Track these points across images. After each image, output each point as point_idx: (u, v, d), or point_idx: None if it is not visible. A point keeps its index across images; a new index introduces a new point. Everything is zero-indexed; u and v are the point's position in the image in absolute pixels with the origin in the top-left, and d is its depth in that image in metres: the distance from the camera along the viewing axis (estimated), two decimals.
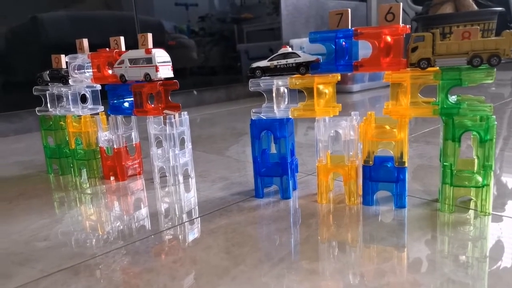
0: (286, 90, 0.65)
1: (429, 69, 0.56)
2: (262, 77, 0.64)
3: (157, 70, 0.74)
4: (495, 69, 0.52)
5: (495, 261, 0.44)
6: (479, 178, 0.55)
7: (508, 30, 0.52)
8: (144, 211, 0.67)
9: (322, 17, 2.65)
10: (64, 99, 0.87)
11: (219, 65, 2.24)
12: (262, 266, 0.46)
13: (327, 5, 2.65)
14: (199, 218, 0.61)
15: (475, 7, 2.63)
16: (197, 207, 0.66)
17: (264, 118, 0.64)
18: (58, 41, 1.61)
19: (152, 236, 0.55)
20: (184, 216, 0.63)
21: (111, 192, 0.77)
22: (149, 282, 0.44)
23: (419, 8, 3.00)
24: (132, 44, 0.80)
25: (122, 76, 0.78)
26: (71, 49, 0.84)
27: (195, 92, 2.09)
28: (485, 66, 0.52)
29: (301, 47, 2.11)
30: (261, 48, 2.37)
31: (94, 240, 0.55)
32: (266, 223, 0.58)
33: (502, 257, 0.45)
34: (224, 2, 2.28)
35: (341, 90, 2.14)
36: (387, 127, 0.61)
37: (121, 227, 0.60)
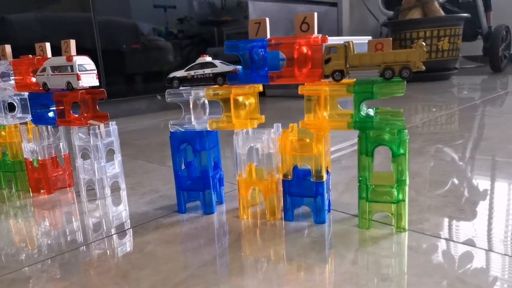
0: (207, 101, 0.63)
1: (345, 81, 0.54)
2: (180, 88, 0.61)
3: (78, 79, 0.70)
4: (405, 82, 0.50)
5: (401, 281, 0.42)
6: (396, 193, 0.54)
7: (419, 41, 0.50)
8: (53, 229, 0.63)
9: (291, 21, 2.64)
10: None
11: None
12: None
13: (296, 10, 2.65)
14: (109, 237, 0.58)
15: (442, 13, 2.67)
16: (113, 225, 0.63)
17: (182, 130, 0.62)
18: (24, 43, 1.56)
19: (49, 260, 0.52)
20: (94, 235, 0.59)
21: (30, 207, 0.73)
22: None
23: (391, 13, 3.03)
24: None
25: (44, 84, 0.74)
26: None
27: (158, 97, 2.05)
28: (397, 79, 0.51)
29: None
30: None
31: None
32: (179, 241, 0.55)
33: (404, 278, 0.43)
34: (204, 4, 2.25)
35: None
36: (308, 140, 0.59)
37: (16, 247, 0.56)
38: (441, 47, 2.57)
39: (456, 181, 0.73)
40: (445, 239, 0.51)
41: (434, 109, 1.56)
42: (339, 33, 3.06)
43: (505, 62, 2.93)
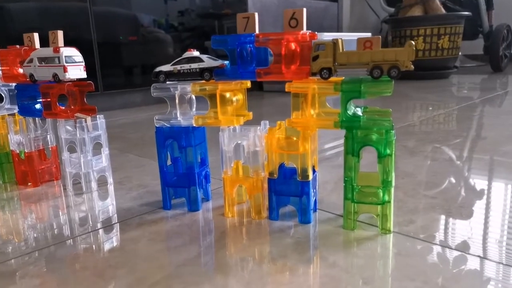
0: (194, 97, 0.62)
1: (333, 79, 0.53)
2: (167, 82, 0.60)
3: (65, 71, 0.69)
4: (393, 82, 0.49)
5: (383, 285, 0.42)
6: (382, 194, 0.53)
7: (408, 41, 0.49)
8: (38, 222, 0.62)
9: None
10: None
11: None
12: None
13: (296, 5, 2.62)
14: (90, 233, 0.57)
15: (443, 11, 2.65)
16: (97, 220, 0.62)
17: (168, 126, 0.61)
18: (20, 33, 1.54)
19: (26, 256, 0.51)
20: (76, 231, 0.58)
21: (16, 199, 0.72)
22: None
23: (392, 9, 3.01)
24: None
25: (31, 75, 0.73)
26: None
27: None
28: (385, 78, 0.50)
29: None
30: None
31: None
32: (161, 239, 0.55)
33: (386, 282, 0.43)
34: None
35: None
36: (295, 138, 0.58)
37: None
38: (441, 45, 2.55)
39: (446, 182, 0.72)
40: (431, 242, 0.51)
41: (431, 108, 1.55)
42: (339, 29, 3.04)
43: (506, 62, 2.91)
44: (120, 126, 1.46)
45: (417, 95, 1.93)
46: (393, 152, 0.50)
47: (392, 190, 0.52)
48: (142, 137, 1.24)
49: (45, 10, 1.64)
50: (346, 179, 0.53)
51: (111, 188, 0.77)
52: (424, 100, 1.77)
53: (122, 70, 1.93)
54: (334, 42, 0.51)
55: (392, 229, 0.53)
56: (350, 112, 0.51)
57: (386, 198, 0.52)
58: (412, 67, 0.49)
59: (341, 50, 0.51)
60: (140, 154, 1.02)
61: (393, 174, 0.51)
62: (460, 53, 2.73)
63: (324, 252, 0.49)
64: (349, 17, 3.27)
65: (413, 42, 0.49)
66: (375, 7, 3.24)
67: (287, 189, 0.57)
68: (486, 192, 0.67)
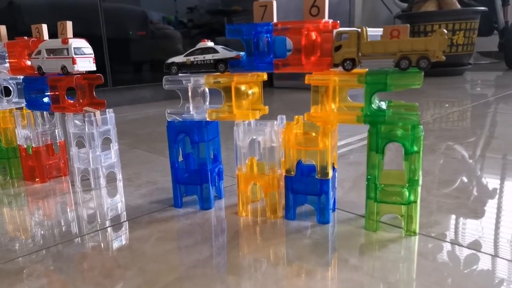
0: (207, 90, 0.59)
1: (356, 70, 0.50)
2: (179, 74, 0.57)
3: (74, 63, 0.67)
4: (423, 73, 0.46)
5: None
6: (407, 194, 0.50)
7: (439, 29, 0.45)
8: (46, 219, 0.60)
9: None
10: None
11: None
12: None
13: None
14: (99, 231, 0.55)
15: (458, 6, 2.58)
16: (106, 217, 0.60)
17: (180, 120, 0.58)
18: (29, 28, 1.52)
19: (34, 254, 0.49)
20: (84, 229, 0.56)
21: (23, 195, 0.70)
22: None
23: (405, 5, 2.95)
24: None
25: (39, 67, 0.71)
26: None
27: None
28: (414, 69, 0.46)
29: None
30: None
31: None
32: (171, 238, 0.52)
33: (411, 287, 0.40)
34: None
35: None
36: (314, 134, 0.55)
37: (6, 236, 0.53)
38: (455, 41, 2.49)
39: (468, 180, 0.69)
40: (458, 245, 0.47)
41: (447, 105, 1.50)
42: (350, 24, 2.98)
43: None
44: (129, 122, 1.44)
45: (431, 92, 1.88)
46: (421, 149, 0.47)
47: (419, 189, 0.48)
48: (151, 133, 1.22)
49: (55, 5, 1.63)
50: (369, 177, 0.50)
51: (120, 184, 0.74)
52: (438, 97, 1.72)
53: (131, 66, 1.91)
54: (359, 31, 0.48)
55: (417, 231, 0.50)
56: (374, 106, 0.48)
57: (412, 198, 0.49)
58: (444, 57, 0.45)
59: (365, 40, 0.48)
60: (149, 149, 0.99)
61: (420, 172, 0.48)
62: (475, 50, 2.67)
63: (345, 254, 0.46)
64: (361, 12, 3.21)
65: (445, 30, 0.45)
66: (388, 2, 3.18)
67: (305, 188, 0.54)
68: None
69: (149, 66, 1.97)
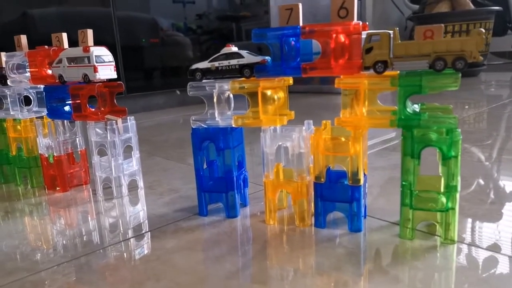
0: (231, 95, 0.58)
1: (387, 73, 0.48)
2: (203, 80, 0.56)
3: (95, 71, 0.66)
4: (459, 74, 0.44)
5: None
6: (445, 200, 0.48)
7: (476, 29, 0.44)
8: (68, 228, 0.59)
9: (314, 15, 2.57)
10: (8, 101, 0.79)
11: None
12: None
13: (320, 3, 2.57)
14: (125, 241, 0.54)
15: (472, 6, 2.55)
16: (130, 227, 0.59)
17: (205, 126, 0.57)
18: (45, 38, 1.54)
19: (62, 264, 0.48)
20: (110, 238, 0.55)
21: (45, 204, 0.70)
22: None
23: (416, 7, 2.92)
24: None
25: (60, 76, 0.71)
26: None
27: (178, 92, 2.01)
28: (450, 71, 0.45)
29: None
30: (251, 46, 2.30)
31: None
32: (199, 248, 0.51)
33: None
34: (223, 0, 2.20)
35: (329, 90, 2.06)
36: (343, 139, 0.53)
37: (29, 247, 0.52)
38: None
39: (503, 186, 0.66)
40: (501, 253, 0.45)
41: (467, 107, 1.47)
42: None
43: None
44: (144, 129, 1.43)
45: (448, 93, 1.85)
46: (459, 153, 0.45)
47: (457, 195, 0.46)
48: (167, 139, 1.21)
49: (68, 15, 1.64)
50: (403, 183, 0.48)
51: (141, 193, 0.73)
52: (456, 99, 1.69)
53: (145, 73, 1.92)
54: (391, 32, 0.46)
55: (456, 238, 0.48)
56: (409, 110, 0.47)
57: (450, 204, 0.47)
58: (481, 57, 0.43)
59: (398, 41, 0.46)
60: (167, 156, 0.99)
61: (459, 178, 0.46)
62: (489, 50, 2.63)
63: (382, 264, 0.44)
64: (371, 14, 3.19)
65: (482, 30, 0.43)
66: (399, 4, 3.16)
67: (335, 195, 0.52)
68: None
69: (161, 73, 1.97)
